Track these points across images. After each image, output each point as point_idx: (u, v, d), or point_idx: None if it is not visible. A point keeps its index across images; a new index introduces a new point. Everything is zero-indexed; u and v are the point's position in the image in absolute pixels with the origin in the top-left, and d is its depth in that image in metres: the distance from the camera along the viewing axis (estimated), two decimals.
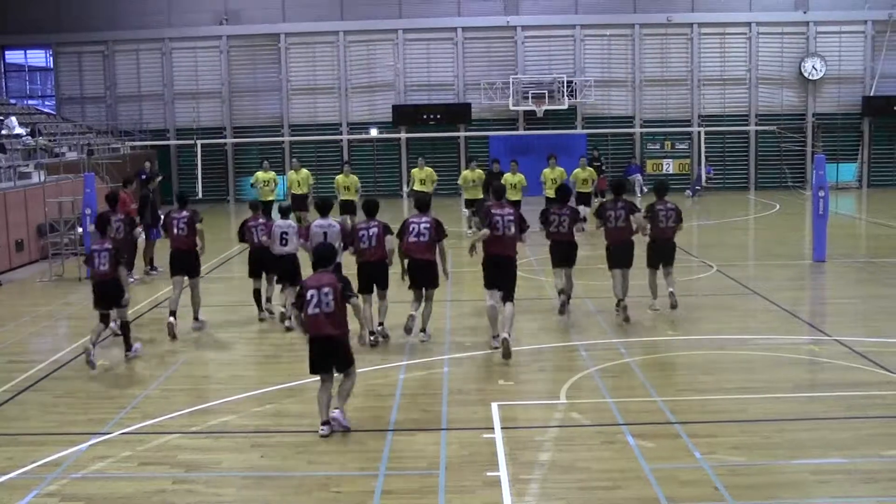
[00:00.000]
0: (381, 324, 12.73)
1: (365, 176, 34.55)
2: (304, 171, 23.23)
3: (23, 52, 38.69)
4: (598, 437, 8.91)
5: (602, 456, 8.37)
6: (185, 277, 13.83)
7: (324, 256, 9.41)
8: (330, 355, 9.11)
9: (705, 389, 10.37)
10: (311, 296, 8.98)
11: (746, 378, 10.81)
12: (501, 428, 9.12)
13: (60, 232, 20.02)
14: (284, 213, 14.29)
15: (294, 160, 24.81)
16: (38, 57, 38.60)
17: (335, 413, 9.14)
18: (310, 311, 9.00)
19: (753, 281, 16.94)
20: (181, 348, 12.98)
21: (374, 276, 12.58)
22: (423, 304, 12.73)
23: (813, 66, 35.75)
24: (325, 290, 8.97)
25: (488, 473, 7.96)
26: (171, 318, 13.34)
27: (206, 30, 36.46)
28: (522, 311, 15.11)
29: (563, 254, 13.77)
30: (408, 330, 12.38)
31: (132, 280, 18.02)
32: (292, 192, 22.81)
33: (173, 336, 13.28)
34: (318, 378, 9.21)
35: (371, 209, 12.68)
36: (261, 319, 14.43)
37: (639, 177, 35.12)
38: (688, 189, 34.56)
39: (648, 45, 36.24)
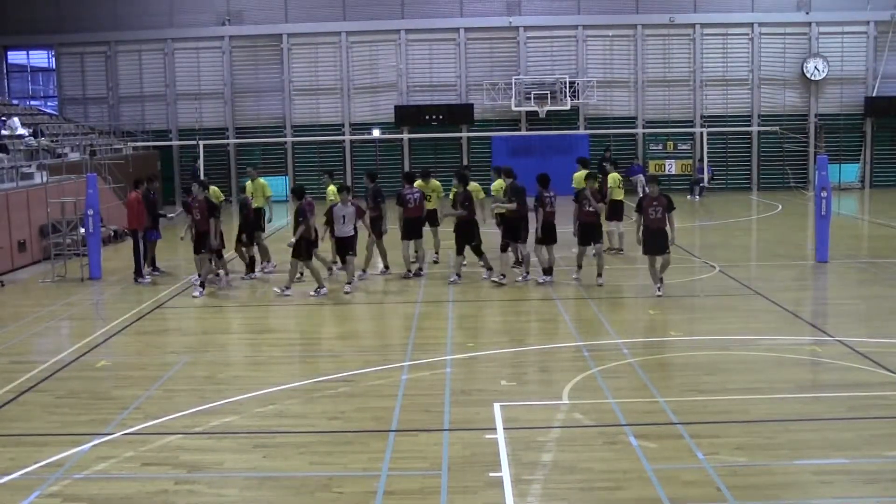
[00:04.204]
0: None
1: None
2: (260, 180, 19.39)
3: (25, 52, 38.75)
4: (601, 437, 8.91)
5: (604, 456, 8.37)
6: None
7: (345, 188, 16.69)
8: (345, 248, 16.48)
9: (708, 390, 10.37)
10: (340, 216, 16.26)
11: (749, 378, 10.81)
12: (504, 428, 9.12)
13: (63, 232, 20.03)
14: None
15: (249, 168, 20.49)
16: (40, 57, 38.65)
17: (347, 288, 16.41)
18: (340, 224, 16.26)
19: (756, 281, 16.93)
20: (182, 349, 13.01)
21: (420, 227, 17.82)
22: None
23: (815, 67, 35.74)
24: (350, 212, 16.22)
25: (490, 474, 7.96)
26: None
27: (208, 30, 36.49)
28: (524, 312, 15.18)
29: (552, 232, 16.70)
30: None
31: (145, 280, 18.08)
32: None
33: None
34: (317, 380, 9.91)
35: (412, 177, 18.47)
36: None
37: (641, 177, 35.02)
38: (689, 194, 34.51)
39: (651, 46, 36.23)
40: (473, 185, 18.32)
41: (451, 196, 18.26)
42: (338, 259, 17.79)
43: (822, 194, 18.60)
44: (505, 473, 7.96)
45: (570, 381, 10.69)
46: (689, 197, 33.86)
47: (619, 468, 8.06)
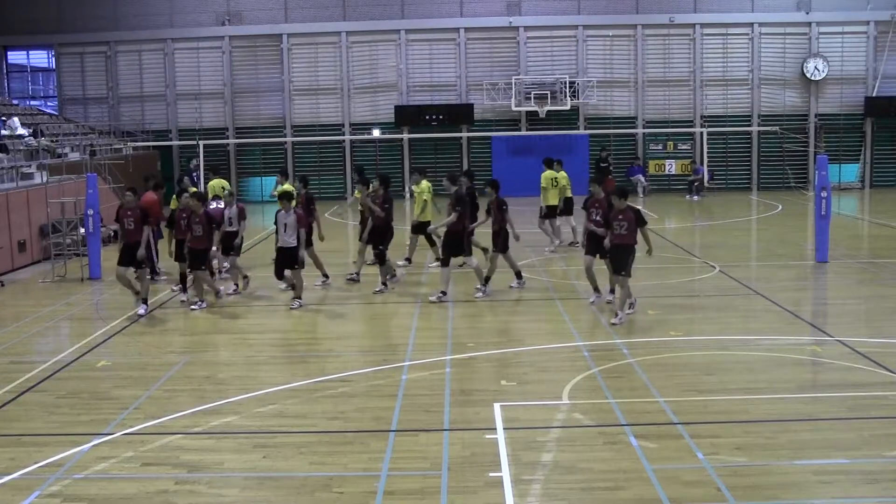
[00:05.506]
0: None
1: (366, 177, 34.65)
2: (212, 182, 18.55)
3: (25, 52, 38.72)
4: (601, 437, 8.91)
5: (604, 456, 8.37)
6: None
7: (289, 197, 15.52)
8: (286, 259, 15.23)
9: (707, 390, 10.37)
10: (283, 224, 15.13)
11: (749, 379, 10.81)
12: (504, 428, 9.12)
13: (63, 232, 20.04)
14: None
15: (209, 172, 19.06)
16: (40, 57, 38.63)
17: (294, 304, 15.37)
18: (281, 233, 15.14)
19: (756, 281, 16.93)
20: (182, 349, 13.01)
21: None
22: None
23: (815, 67, 35.72)
24: (291, 221, 15.07)
25: (490, 474, 7.97)
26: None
27: (208, 30, 36.47)
28: (524, 313, 15.17)
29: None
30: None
31: (160, 278, 18.08)
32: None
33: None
34: (317, 380, 10.15)
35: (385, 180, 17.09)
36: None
37: (641, 178, 35.15)
38: (687, 194, 34.50)
39: (651, 46, 36.23)
40: (425, 185, 18.73)
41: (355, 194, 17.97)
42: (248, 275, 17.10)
43: (822, 194, 18.61)
44: (505, 473, 7.96)
45: (570, 381, 10.70)
46: (687, 197, 33.86)
47: (619, 468, 8.06)
